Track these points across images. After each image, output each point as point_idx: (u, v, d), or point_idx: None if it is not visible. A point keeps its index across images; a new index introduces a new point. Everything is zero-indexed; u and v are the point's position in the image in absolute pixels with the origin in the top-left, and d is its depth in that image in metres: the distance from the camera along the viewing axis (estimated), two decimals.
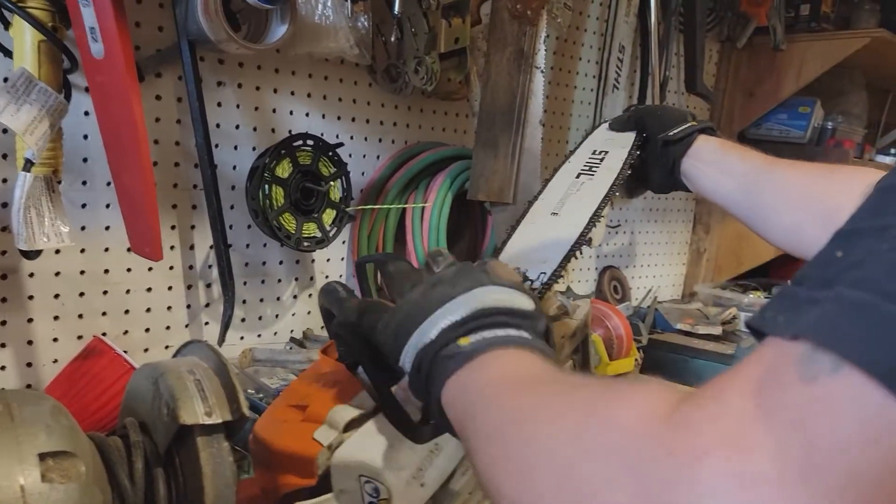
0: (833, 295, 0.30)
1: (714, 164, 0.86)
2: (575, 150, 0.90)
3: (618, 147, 0.85)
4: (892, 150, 2.34)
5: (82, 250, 1.08)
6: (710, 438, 0.30)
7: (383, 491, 0.63)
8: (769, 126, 2.08)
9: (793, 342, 0.30)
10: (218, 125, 1.17)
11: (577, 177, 0.84)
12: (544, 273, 0.76)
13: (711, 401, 0.31)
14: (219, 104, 1.17)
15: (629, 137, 0.87)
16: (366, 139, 1.36)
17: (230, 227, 1.21)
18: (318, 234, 1.17)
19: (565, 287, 0.81)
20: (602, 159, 0.84)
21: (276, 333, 1.32)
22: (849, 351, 0.28)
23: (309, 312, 1.34)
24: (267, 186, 1.09)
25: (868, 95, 2.20)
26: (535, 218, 0.82)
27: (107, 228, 1.08)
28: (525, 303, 0.58)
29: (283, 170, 1.11)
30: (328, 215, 1.17)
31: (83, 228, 1.07)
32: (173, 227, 1.16)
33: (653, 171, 0.91)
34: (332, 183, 1.16)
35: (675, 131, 0.88)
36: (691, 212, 2.14)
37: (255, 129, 1.22)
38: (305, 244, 1.15)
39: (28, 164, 0.86)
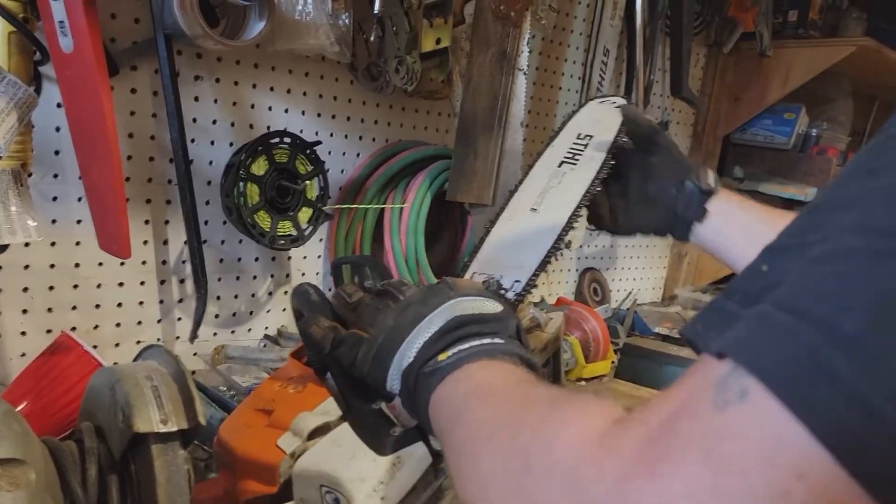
0: (752, 313, 0.32)
1: (742, 230, 0.79)
2: (559, 131, 0.86)
3: (603, 130, 0.81)
4: None
5: (53, 244, 1.06)
6: (634, 462, 0.32)
7: (343, 502, 0.62)
8: (754, 131, 2.08)
9: (716, 361, 0.32)
10: (195, 120, 1.16)
11: (560, 166, 0.81)
12: (518, 282, 0.76)
13: (639, 424, 0.33)
14: (196, 98, 1.15)
15: (616, 120, 0.82)
16: (346, 137, 1.35)
17: (205, 222, 1.19)
18: (294, 233, 1.16)
19: (540, 298, 0.80)
20: (586, 145, 0.82)
21: (250, 330, 1.31)
22: (759, 370, 0.29)
23: (284, 310, 1.33)
24: (242, 184, 1.08)
25: (854, 103, 2.20)
26: (513, 214, 0.80)
27: (78, 222, 1.07)
28: (493, 307, 0.60)
29: (259, 167, 1.10)
30: (304, 214, 1.16)
31: (54, 222, 1.05)
32: (147, 222, 1.15)
33: (649, 213, 0.83)
34: (308, 181, 1.15)
35: (710, 180, 0.80)
36: None
37: (232, 125, 1.20)
38: (280, 242, 1.14)
39: None
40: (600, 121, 0.85)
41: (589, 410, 0.38)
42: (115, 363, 1.16)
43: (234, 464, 0.70)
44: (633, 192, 0.84)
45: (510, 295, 0.76)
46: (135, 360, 0.70)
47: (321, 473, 0.63)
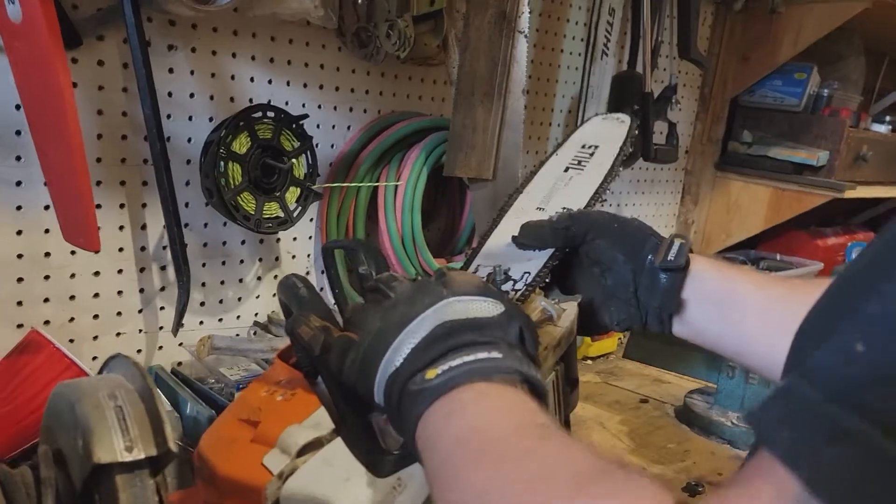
0: (847, 428, 0.25)
1: (718, 296, 0.65)
2: (563, 142, 0.82)
3: (609, 142, 0.77)
4: (887, 118, 2.26)
5: (19, 232, 0.98)
6: None
7: None
8: (763, 93, 1.99)
9: (792, 473, 0.26)
10: (170, 94, 1.07)
11: (566, 171, 0.76)
12: (528, 273, 0.69)
13: None
14: (170, 70, 1.06)
15: (622, 131, 0.77)
16: (335, 108, 1.26)
17: (186, 204, 1.11)
18: (281, 215, 1.08)
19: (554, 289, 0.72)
20: (592, 154, 0.76)
21: (238, 317, 1.23)
22: None
23: (274, 295, 1.26)
24: (222, 163, 0.99)
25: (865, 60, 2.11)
26: (518, 213, 0.74)
27: (46, 208, 0.98)
28: (491, 309, 0.52)
29: (241, 145, 1.01)
30: (292, 194, 1.08)
31: (19, 208, 0.97)
32: (122, 206, 1.06)
33: (611, 307, 0.70)
34: (295, 159, 1.06)
35: (672, 253, 0.65)
36: (680, 182, 2.06)
37: (211, 98, 1.11)
38: (267, 226, 1.06)
39: None
40: (604, 133, 0.81)
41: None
42: (93, 357, 1.09)
43: (216, 482, 0.63)
44: (593, 287, 0.71)
45: (520, 286, 0.69)
46: (99, 372, 0.62)
47: (312, 498, 0.56)
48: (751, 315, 0.63)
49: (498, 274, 0.70)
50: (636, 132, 0.79)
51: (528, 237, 0.73)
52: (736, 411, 1.21)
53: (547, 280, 0.70)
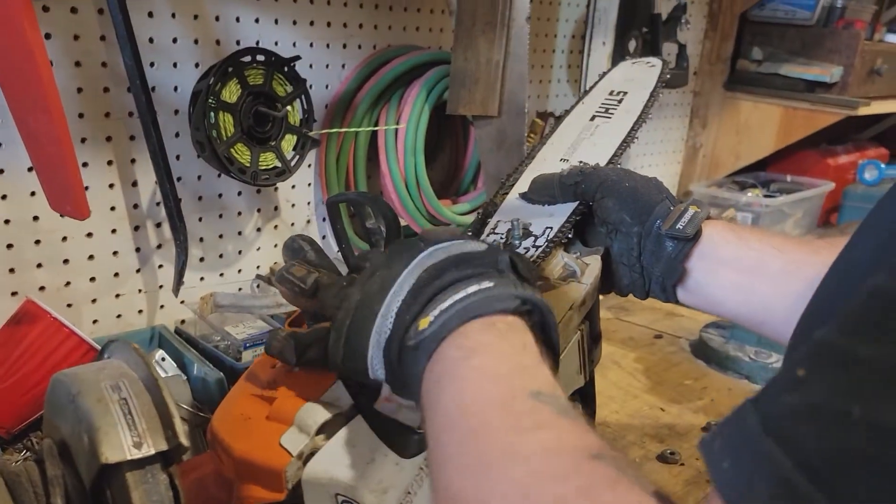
0: (770, 461, 0.25)
1: (736, 263, 0.62)
2: (590, 90, 0.76)
3: (639, 88, 0.72)
4: None
5: (3, 196, 0.93)
6: None
7: None
8: (774, 6, 1.89)
9: None
10: (151, 40, 0.99)
11: (592, 119, 0.70)
12: (550, 228, 0.64)
13: None
14: (150, 14, 0.99)
15: (652, 76, 0.72)
16: (328, 46, 1.19)
17: (177, 157, 1.06)
18: (278, 165, 1.02)
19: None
20: (620, 101, 0.70)
21: (240, 271, 1.19)
22: None
23: (276, 246, 1.21)
24: (213, 114, 0.93)
25: None
26: (541, 165, 0.70)
27: (30, 170, 0.92)
28: (473, 246, 0.49)
29: (231, 93, 0.95)
30: (288, 142, 1.02)
31: (1, 172, 0.92)
32: (110, 163, 1.01)
33: (616, 271, 0.68)
34: (289, 105, 1.00)
35: (683, 221, 0.62)
36: (688, 105, 1.98)
37: (196, 42, 1.04)
38: (264, 177, 1.00)
39: None
40: (634, 79, 0.77)
41: None
42: (94, 321, 1.05)
43: (231, 464, 0.60)
44: (599, 246, 0.68)
45: (541, 241, 0.65)
46: (98, 357, 0.59)
47: (335, 481, 0.53)
48: (770, 282, 0.60)
49: (516, 229, 0.66)
50: (668, 76, 0.73)
51: (537, 192, 0.70)
52: (753, 346, 1.19)
53: (569, 235, 0.66)
